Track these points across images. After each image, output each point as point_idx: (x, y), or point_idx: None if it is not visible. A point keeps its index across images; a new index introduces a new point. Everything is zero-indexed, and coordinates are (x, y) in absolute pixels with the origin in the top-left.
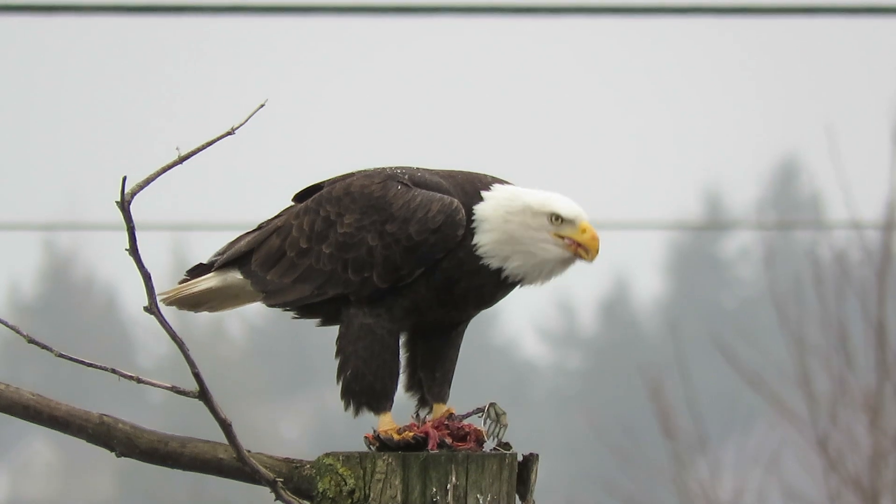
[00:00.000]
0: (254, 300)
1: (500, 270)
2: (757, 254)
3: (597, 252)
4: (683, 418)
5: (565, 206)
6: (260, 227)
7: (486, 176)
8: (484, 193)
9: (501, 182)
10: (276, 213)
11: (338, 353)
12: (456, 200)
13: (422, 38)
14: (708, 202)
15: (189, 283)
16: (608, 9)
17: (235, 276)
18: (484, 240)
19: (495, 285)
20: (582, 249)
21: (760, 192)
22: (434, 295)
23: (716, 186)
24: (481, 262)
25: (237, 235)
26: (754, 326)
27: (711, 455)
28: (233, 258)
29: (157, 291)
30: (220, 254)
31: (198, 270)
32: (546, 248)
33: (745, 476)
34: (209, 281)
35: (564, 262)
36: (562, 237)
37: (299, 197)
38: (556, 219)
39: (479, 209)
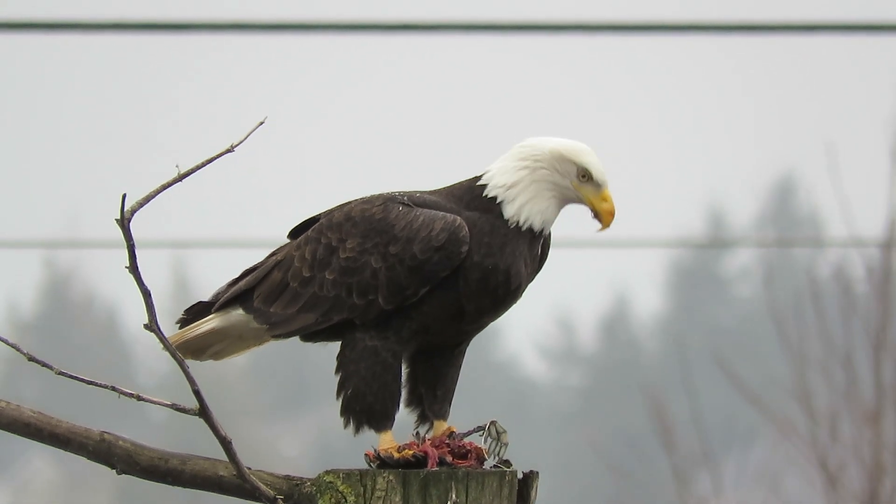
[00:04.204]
0: (259, 343)
1: (531, 230)
2: (758, 271)
3: (610, 225)
4: (685, 435)
5: (597, 167)
6: (256, 267)
7: (458, 182)
8: (481, 182)
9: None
10: (270, 252)
11: (338, 370)
12: (458, 218)
13: (421, 56)
14: (709, 220)
15: (191, 326)
16: (607, 27)
17: (238, 313)
18: (520, 202)
19: (528, 246)
20: (597, 217)
21: (760, 210)
22: (477, 297)
23: (717, 204)
24: (514, 229)
25: (235, 253)
26: (755, 344)
27: (713, 472)
28: (233, 296)
29: (157, 309)
30: (218, 295)
31: (196, 308)
32: (567, 193)
33: (746, 493)
34: (211, 322)
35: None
36: (582, 193)
37: (295, 232)
38: (584, 175)
39: (494, 184)
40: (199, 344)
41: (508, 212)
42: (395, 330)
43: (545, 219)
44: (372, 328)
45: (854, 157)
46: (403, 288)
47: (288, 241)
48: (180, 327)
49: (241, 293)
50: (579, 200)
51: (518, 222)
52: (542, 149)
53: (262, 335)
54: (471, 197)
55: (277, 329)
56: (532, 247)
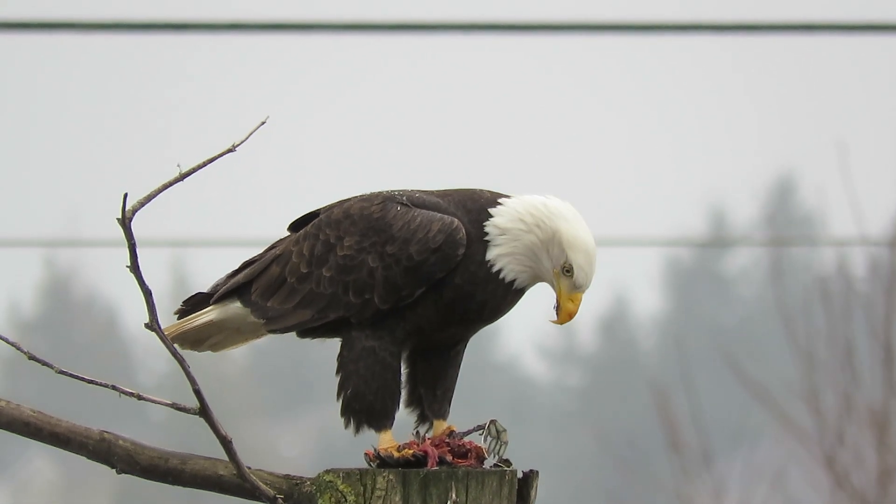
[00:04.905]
0: (257, 336)
1: (513, 281)
2: (758, 271)
3: (562, 324)
4: (688, 433)
5: (583, 272)
6: (255, 259)
7: (483, 191)
8: (492, 210)
9: (501, 195)
10: (270, 245)
11: (338, 371)
12: (456, 220)
13: (421, 57)
14: (711, 219)
15: (189, 317)
16: (607, 27)
17: (236, 306)
18: (500, 251)
19: (510, 292)
20: (557, 310)
21: (762, 209)
22: (445, 313)
23: (719, 203)
24: (494, 272)
25: (236, 252)
26: (757, 344)
27: (715, 471)
28: (232, 289)
29: (157, 309)
30: (217, 286)
31: (195, 299)
32: (545, 274)
33: (751, 491)
34: (209, 314)
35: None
36: (557, 283)
37: (295, 226)
38: (568, 271)
39: (494, 222)
40: (197, 335)
41: (489, 254)
42: (389, 330)
43: (518, 279)
44: (367, 327)
45: (856, 156)
46: (399, 288)
47: (288, 233)
48: (178, 318)
49: (240, 286)
50: (551, 285)
51: (493, 268)
52: (549, 223)
53: (260, 329)
54: (478, 217)
55: (273, 324)
56: (517, 294)
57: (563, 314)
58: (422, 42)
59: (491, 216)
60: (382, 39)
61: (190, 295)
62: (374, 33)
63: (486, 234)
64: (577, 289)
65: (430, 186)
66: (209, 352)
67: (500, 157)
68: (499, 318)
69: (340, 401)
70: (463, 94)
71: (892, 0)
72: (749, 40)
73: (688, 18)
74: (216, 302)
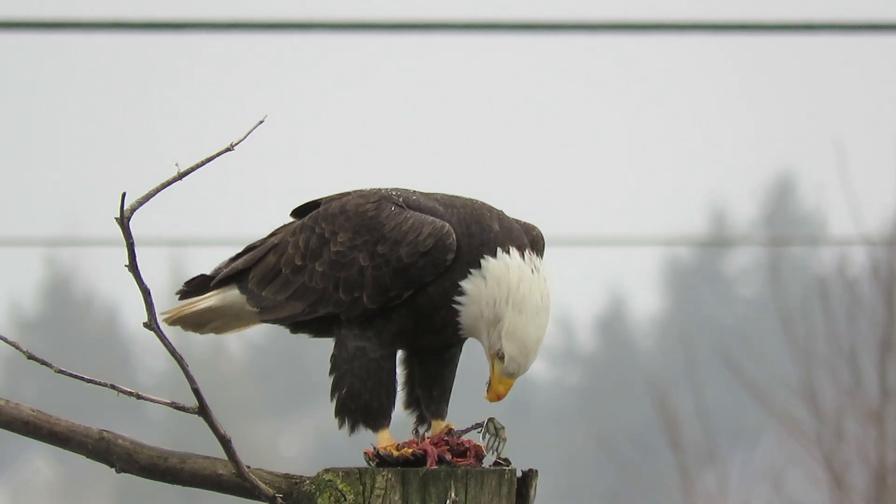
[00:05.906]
0: (256, 322)
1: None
2: (758, 270)
3: (488, 399)
4: (688, 433)
5: (515, 363)
6: (256, 245)
7: (493, 216)
8: (500, 252)
9: (508, 227)
10: (272, 231)
11: (332, 371)
12: (447, 224)
13: (421, 56)
14: (709, 219)
15: (189, 301)
16: (607, 27)
17: (234, 293)
18: (468, 288)
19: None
20: (488, 387)
21: (761, 209)
22: (417, 319)
23: (719, 203)
24: (458, 299)
25: (235, 251)
26: (758, 343)
27: (716, 470)
28: (231, 275)
29: (156, 308)
30: (219, 269)
31: (197, 282)
32: (483, 344)
33: (750, 491)
34: (209, 299)
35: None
36: (491, 363)
37: (297, 213)
38: (501, 357)
39: (491, 262)
40: (198, 319)
41: (465, 282)
42: (376, 330)
43: (463, 325)
44: (356, 326)
45: (855, 156)
46: (388, 289)
47: (292, 219)
48: (180, 299)
49: (239, 272)
50: (488, 361)
51: (460, 295)
52: (500, 308)
53: (256, 317)
54: (480, 242)
55: (266, 314)
56: (454, 336)
57: (493, 394)
58: (422, 42)
59: (494, 256)
60: (382, 39)
61: (192, 277)
62: (374, 33)
63: (479, 265)
64: (509, 375)
65: (430, 187)
66: (212, 334)
67: (499, 156)
68: (468, 336)
69: (335, 401)
70: (463, 93)
71: (893, 0)
72: (749, 40)
73: (688, 18)
74: (216, 286)
